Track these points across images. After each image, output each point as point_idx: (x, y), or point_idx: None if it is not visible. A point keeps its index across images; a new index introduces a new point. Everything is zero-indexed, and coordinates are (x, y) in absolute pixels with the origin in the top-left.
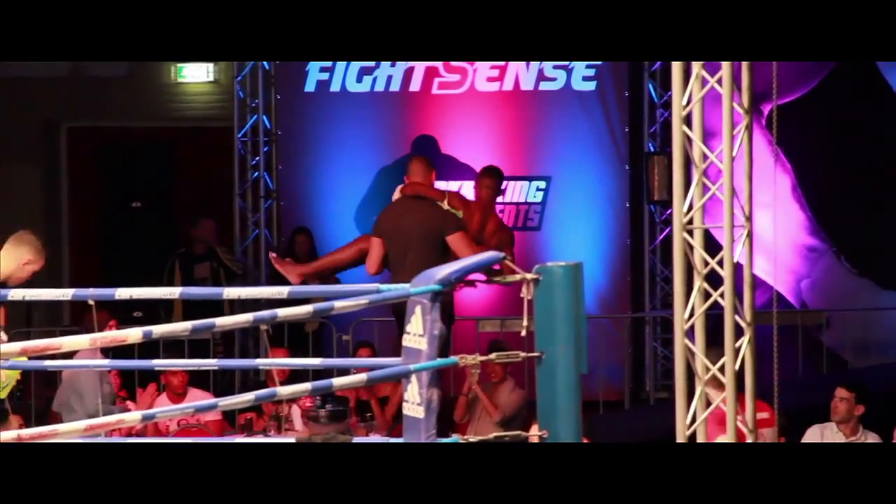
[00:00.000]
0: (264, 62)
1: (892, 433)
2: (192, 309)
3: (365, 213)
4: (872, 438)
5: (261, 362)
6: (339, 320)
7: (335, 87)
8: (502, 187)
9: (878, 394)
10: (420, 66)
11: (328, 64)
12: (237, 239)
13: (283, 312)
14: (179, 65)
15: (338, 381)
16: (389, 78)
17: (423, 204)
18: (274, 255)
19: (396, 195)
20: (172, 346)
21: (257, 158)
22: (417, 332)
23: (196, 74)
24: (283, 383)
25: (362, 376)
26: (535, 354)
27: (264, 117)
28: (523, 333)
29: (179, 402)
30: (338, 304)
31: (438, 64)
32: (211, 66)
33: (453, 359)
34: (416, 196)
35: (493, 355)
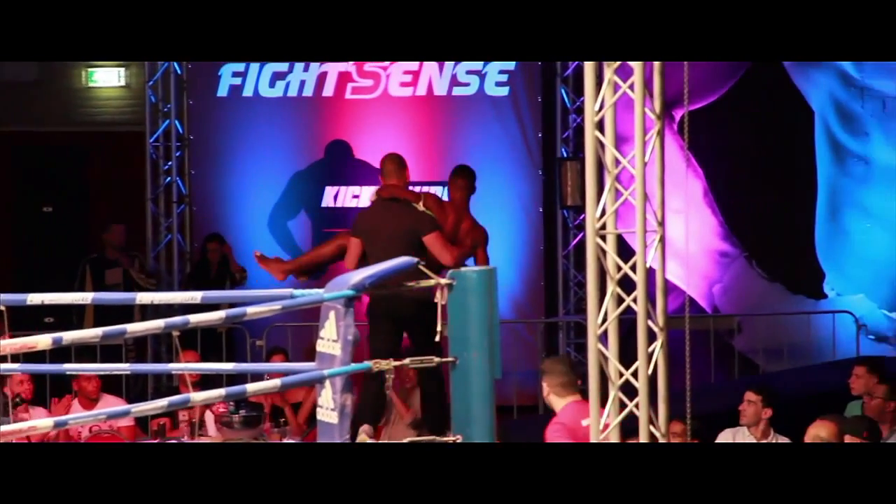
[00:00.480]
0: (176, 67)
1: (804, 437)
2: (103, 314)
3: (278, 218)
4: (783, 441)
5: (174, 367)
6: (252, 325)
7: (248, 91)
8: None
9: (789, 398)
10: (333, 71)
11: (241, 69)
12: (149, 244)
13: (195, 318)
14: (90, 69)
15: (252, 387)
16: (302, 83)
17: (399, 206)
18: (258, 253)
19: (373, 197)
20: (85, 353)
21: (170, 163)
22: (331, 338)
23: (107, 79)
24: (195, 386)
25: (276, 382)
26: (450, 359)
27: (176, 122)
28: (437, 338)
29: (92, 408)
30: (251, 309)
31: (352, 69)
32: (122, 70)
33: (367, 364)
34: (392, 198)
35: (407, 360)
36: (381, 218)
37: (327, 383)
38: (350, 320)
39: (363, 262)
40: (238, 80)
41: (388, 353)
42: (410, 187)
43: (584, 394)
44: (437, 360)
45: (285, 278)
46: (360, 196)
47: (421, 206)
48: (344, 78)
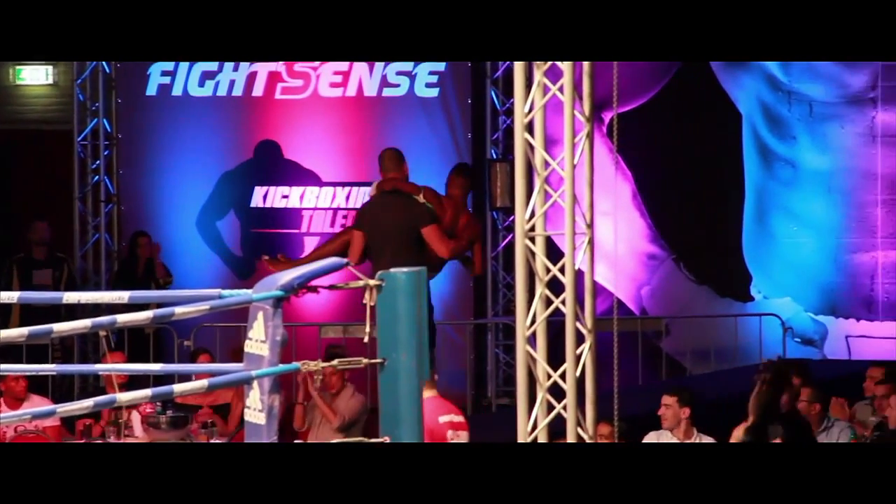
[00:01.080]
0: (105, 66)
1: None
2: (30, 314)
3: (207, 218)
4: (707, 441)
5: (100, 367)
6: (180, 326)
7: (177, 90)
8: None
9: (716, 399)
10: (263, 71)
11: (170, 68)
12: (77, 243)
13: (122, 318)
14: (18, 67)
15: (179, 388)
16: (232, 82)
17: (399, 198)
18: (266, 257)
19: (373, 191)
20: (10, 353)
21: (97, 162)
22: (259, 338)
23: (35, 77)
24: (122, 388)
25: (203, 382)
26: (378, 361)
27: (105, 121)
28: (366, 340)
29: (19, 408)
30: (178, 310)
31: (281, 69)
32: (50, 68)
33: (295, 364)
34: (393, 191)
35: (335, 361)
36: (381, 210)
37: (255, 384)
38: (279, 321)
39: (366, 255)
40: (167, 80)
41: None
42: (355, 187)
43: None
44: (365, 361)
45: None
46: (290, 196)
47: (421, 199)
48: (274, 78)
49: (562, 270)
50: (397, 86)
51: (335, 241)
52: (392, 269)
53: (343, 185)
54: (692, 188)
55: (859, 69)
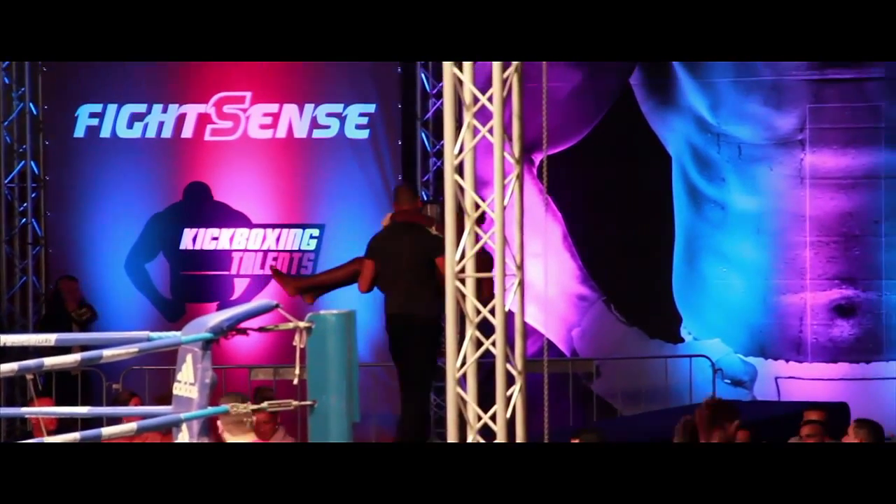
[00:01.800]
0: (32, 107)
1: None
2: None
3: (136, 260)
4: None
5: (27, 411)
6: (109, 368)
7: (105, 132)
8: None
9: (648, 441)
10: (192, 113)
11: (98, 109)
12: (4, 286)
13: (50, 361)
14: None
15: (107, 431)
16: (161, 124)
17: (413, 229)
18: (273, 266)
19: (386, 222)
20: None
21: (25, 205)
22: (188, 381)
23: None
24: (51, 433)
25: (132, 425)
26: (308, 403)
27: (32, 163)
28: (295, 382)
29: None
30: (107, 352)
31: (211, 110)
32: None
33: (224, 407)
34: (406, 223)
35: (265, 404)
36: (394, 241)
37: (184, 427)
38: (208, 363)
39: (375, 283)
40: (95, 121)
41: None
42: (285, 229)
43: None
44: (295, 403)
45: (295, 295)
46: (220, 238)
47: (434, 231)
48: (203, 119)
49: (492, 312)
50: (327, 127)
51: (344, 267)
52: (323, 312)
53: (273, 226)
54: (622, 230)
55: (787, 112)
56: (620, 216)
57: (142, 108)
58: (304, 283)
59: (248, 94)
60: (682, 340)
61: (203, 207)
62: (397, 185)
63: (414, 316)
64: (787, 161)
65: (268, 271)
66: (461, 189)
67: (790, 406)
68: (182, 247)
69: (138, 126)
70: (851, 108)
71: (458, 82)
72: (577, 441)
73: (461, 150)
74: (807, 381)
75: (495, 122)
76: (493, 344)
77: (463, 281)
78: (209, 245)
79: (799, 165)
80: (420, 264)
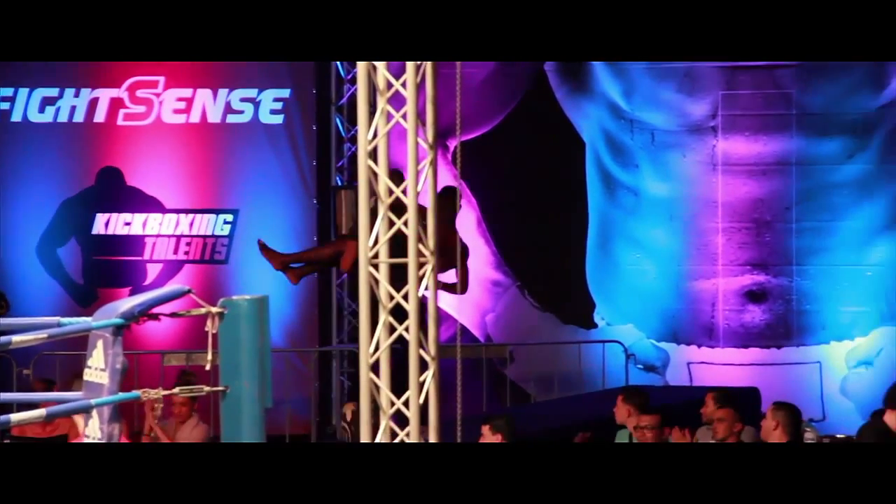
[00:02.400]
0: None
1: None
2: None
3: (47, 245)
4: None
5: None
6: (19, 354)
7: (16, 116)
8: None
9: (560, 426)
10: (105, 97)
11: (9, 93)
12: None
13: None
14: None
15: (16, 417)
16: (73, 108)
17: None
18: (261, 240)
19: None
20: None
21: None
22: (99, 367)
23: None
24: None
25: (42, 411)
26: (220, 388)
27: None
28: (208, 367)
29: None
30: (16, 338)
31: (124, 95)
32: None
33: (135, 393)
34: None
35: (176, 389)
36: None
37: (94, 413)
38: (119, 349)
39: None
40: (6, 105)
41: None
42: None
43: None
44: (206, 389)
45: (280, 269)
46: (132, 223)
47: None
48: (116, 104)
49: (405, 297)
50: (241, 112)
51: (330, 246)
52: (236, 297)
53: (187, 211)
54: (536, 215)
55: (700, 98)
56: (534, 202)
57: (54, 92)
58: (290, 258)
59: (162, 79)
60: (596, 326)
61: (116, 192)
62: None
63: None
64: (700, 147)
65: (181, 256)
66: (374, 174)
67: (701, 391)
68: (94, 232)
69: (50, 110)
70: (763, 95)
71: (372, 68)
72: (487, 427)
73: (375, 136)
74: (718, 367)
75: (409, 107)
76: (407, 329)
77: (376, 267)
78: (122, 230)
79: (711, 152)
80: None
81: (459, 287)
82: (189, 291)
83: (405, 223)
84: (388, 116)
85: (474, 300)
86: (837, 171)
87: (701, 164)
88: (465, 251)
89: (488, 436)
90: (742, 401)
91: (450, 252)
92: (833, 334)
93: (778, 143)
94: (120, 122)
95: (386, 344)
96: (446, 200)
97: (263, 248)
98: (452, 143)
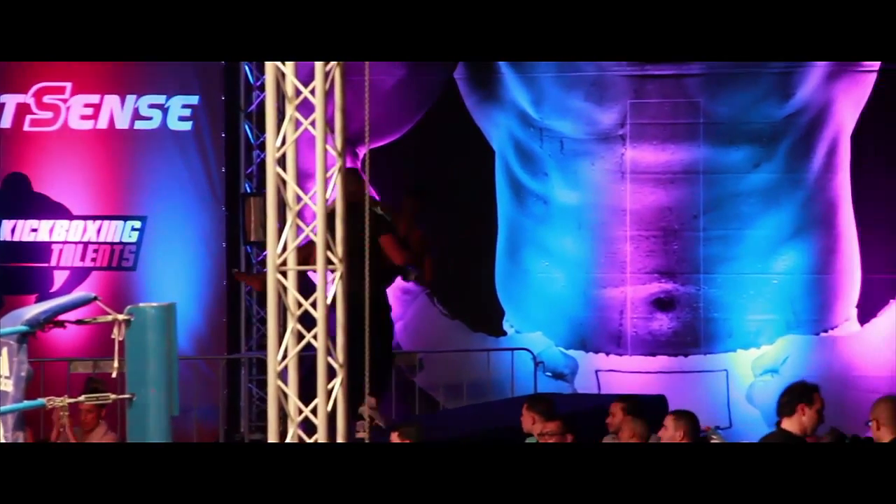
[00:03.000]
0: None
1: None
2: None
3: None
4: None
5: None
6: None
7: None
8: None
9: (468, 434)
10: (11, 103)
11: None
12: None
13: None
14: None
15: None
16: None
17: (357, 209)
18: (237, 271)
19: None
20: None
21: None
22: (4, 374)
23: None
24: None
25: None
26: (126, 396)
27: None
28: (114, 375)
29: None
30: None
31: (30, 101)
32: None
33: (40, 401)
34: (351, 203)
35: (82, 397)
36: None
37: None
38: (24, 356)
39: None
40: None
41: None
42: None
43: None
44: (113, 396)
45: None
46: (39, 230)
47: (378, 210)
48: (22, 109)
49: (313, 305)
50: (150, 118)
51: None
52: (143, 304)
53: (94, 218)
54: (446, 223)
55: (609, 107)
56: (444, 210)
57: None
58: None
59: (69, 85)
60: (505, 333)
61: (22, 199)
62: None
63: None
64: (609, 156)
65: (89, 263)
66: (283, 182)
67: (609, 399)
68: (1, 238)
69: None
70: (671, 104)
71: (281, 75)
72: (395, 434)
73: (283, 143)
74: (626, 374)
75: (318, 115)
76: (315, 337)
77: (284, 274)
78: (28, 237)
79: (620, 160)
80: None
81: (426, 276)
82: (95, 298)
83: (314, 230)
84: (297, 123)
85: None
86: (744, 180)
87: (609, 173)
88: (428, 246)
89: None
90: (650, 409)
91: (414, 245)
92: (740, 342)
93: (686, 152)
94: (27, 127)
95: (294, 351)
96: (408, 198)
97: (238, 276)
98: (362, 151)
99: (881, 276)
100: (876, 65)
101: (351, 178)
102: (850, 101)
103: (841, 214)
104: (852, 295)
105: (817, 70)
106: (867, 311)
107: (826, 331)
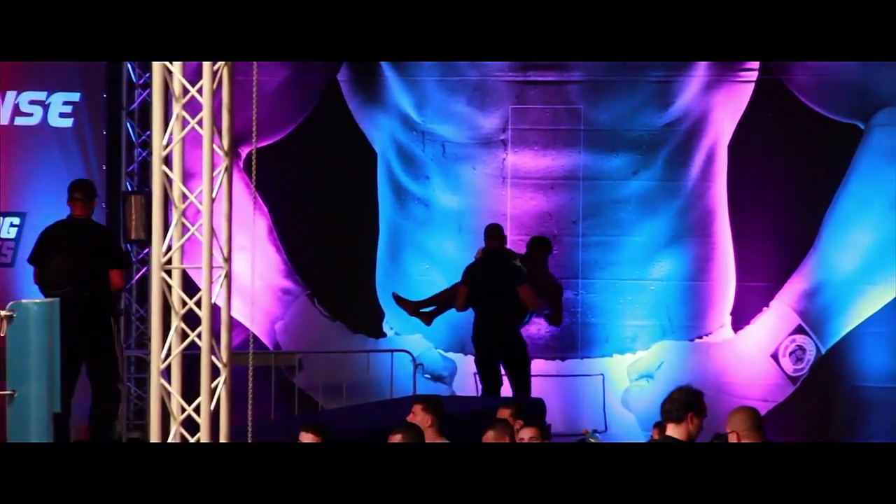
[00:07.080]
0: None
1: None
2: None
3: None
4: None
5: None
6: None
7: None
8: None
9: (347, 435)
10: None
11: None
12: None
13: None
14: None
15: None
16: None
17: (500, 262)
18: (395, 293)
19: (479, 254)
20: None
21: None
22: None
23: None
24: None
25: None
26: (7, 392)
27: None
28: None
29: None
30: None
31: None
32: None
33: None
34: (495, 256)
35: None
36: (485, 271)
37: None
38: None
39: (468, 304)
40: None
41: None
42: None
43: None
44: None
45: (414, 315)
46: None
47: (517, 263)
48: None
49: (198, 304)
50: (30, 115)
51: (447, 291)
52: (25, 301)
53: None
54: (328, 225)
55: (491, 112)
56: (326, 211)
57: None
58: (421, 304)
59: None
60: (385, 335)
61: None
62: (488, 226)
63: (502, 333)
64: (490, 160)
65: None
66: (169, 180)
67: (487, 402)
68: None
69: None
70: (552, 110)
71: (168, 73)
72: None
73: (170, 142)
74: (504, 377)
75: (205, 114)
76: (199, 336)
77: (169, 272)
78: None
79: (501, 165)
80: (506, 290)
81: (557, 320)
82: None
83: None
84: (184, 122)
85: (264, 307)
86: (623, 186)
87: (490, 177)
88: (559, 289)
89: (307, 439)
90: (529, 412)
91: (548, 291)
92: (616, 347)
93: (566, 158)
94: None
95: (178, 350)
96: (537, 247)
97: (398, 300)
98: (245, 151)
99: (755, 284)
100: (754, 75)
101: (495, 233)
102: (727, 111)
103: (717, 223)
104: (727, 302)
105: (696, 79)
106: (741, 318)
107: (700, 337)
